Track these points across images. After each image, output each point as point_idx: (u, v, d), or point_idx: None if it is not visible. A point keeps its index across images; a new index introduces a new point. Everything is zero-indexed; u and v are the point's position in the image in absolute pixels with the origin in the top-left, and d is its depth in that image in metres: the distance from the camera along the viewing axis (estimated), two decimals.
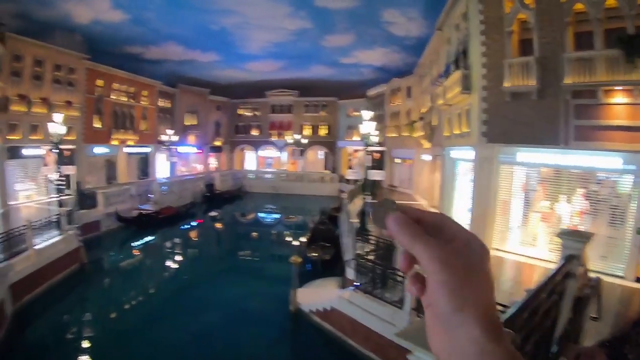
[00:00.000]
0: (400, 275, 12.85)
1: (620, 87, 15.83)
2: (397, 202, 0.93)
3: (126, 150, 44.34)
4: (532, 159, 18.45)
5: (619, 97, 16.01)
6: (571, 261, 6.30)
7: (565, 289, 5.95)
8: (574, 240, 8.38)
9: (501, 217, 19.85)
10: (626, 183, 16.15)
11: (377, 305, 13.81)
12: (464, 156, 23.58)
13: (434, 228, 0.87)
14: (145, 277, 25.09)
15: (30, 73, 32.36)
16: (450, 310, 0.78)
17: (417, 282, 0.86)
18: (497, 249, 19.23)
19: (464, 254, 0.82)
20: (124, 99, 43.32)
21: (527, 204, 19.51)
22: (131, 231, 32.20)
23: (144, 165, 48.57)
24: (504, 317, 5.13)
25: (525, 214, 19.57)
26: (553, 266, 15.64)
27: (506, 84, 18.12)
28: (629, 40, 14.97)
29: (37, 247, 19.70)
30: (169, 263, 27.93)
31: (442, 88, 25.29)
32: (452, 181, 25.85)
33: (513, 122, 18.32)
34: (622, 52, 15.05)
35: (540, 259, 17.54)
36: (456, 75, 22.16)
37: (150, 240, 31.86)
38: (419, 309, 11.95)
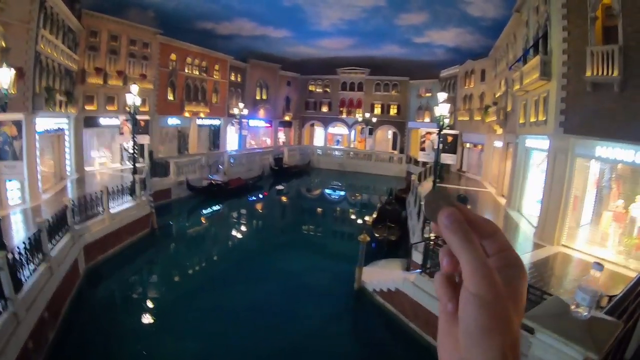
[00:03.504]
0: None
1: None
2: (455, 194, 0.81)
3: (198, 122, 45.67)
4: (610, 154, 16.62)
5: None
6: None
7: None
8: None
9: (572, 212, 18.71)
10: None
11: None
12: (537, 145, 22.54)
13: (485, 236, 0.81)
14: (210, 245, 25.98)
15: (106, 47, 33.86)
16: (476, 330, 0.71)
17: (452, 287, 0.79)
18: (565, 246, 18.32)
19: (507, 274, 0.76)
20: (196, 72, 44.47)
21: (599, 201, 18.30)
22: (200, 200, 33.24)
23: (215, 137, 49.83)
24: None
25: (596, 211, 18.32)
26: (621, 270, 15.18)
27: (588, 73, 16.58)
28: None
29: (111, 211, 20.68)
30: (234, 232, 28.72)
31: (519, 73, 24.13)
32: (524, 170, 24.82)
33: (593, 114, 16.88)
34: None
35: (608, 261, 15.95)
36: (535, 60, 21.01)
37: (217, 210, 32.83)
38: None
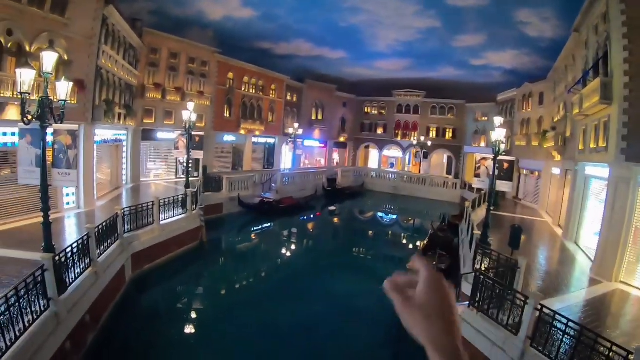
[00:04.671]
0: (520, 299, 11.84)
1: None
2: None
3: (253, 139, 46.35)
4: None
5: None
6: None
7: None
8: None
9: (633, 246, 17.26)
10: None
11: (490, 326, 12.69)
12: (597, 174, 21.33)
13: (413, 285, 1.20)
14: (258, 261, 25.90)
15: (166, 64, 35.05)
16: (410, 330, 1.13)
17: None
18: (624, 282, 17.00)
19: (416, 298, 1.15)
20: (253, 91, 45.22)
21: None
22: (251, 217, 33.38)
23: (269, 155, 50.47)
24: None
25: None
26: None
27: None
28: None
29: (162, 222, 21.02)
30: (283, 251, 28.63)
31: (578, 96, 22.85)
32: (582, 200, 23.53)
33: None
34: None
35: None
36: (595, 83, 19.80)
37: (268, 227, 32.89)
38: (534, 338, 11.10)
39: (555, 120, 32.69)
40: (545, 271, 18.96)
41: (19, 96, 10.83)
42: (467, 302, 14.11)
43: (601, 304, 15.08)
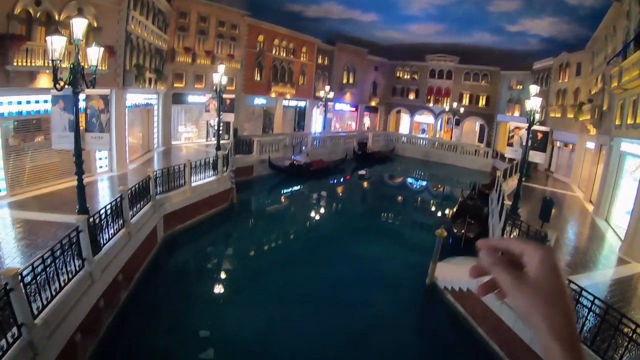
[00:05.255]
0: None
1: None
2: None
3: (283, 102, 46.29)
4: None
5: None
6: None
7: None
8: None
9: None
10: None
11: None
12: (633, 150, 20.60)
13: (514, 254, 1.04)
14: (287, 223, 26.32)
15: (195, 28, 34.89)
16: (523, 314, 0.97)
17: (496, 289, 1.10)
18: None
19: (532, 279, 0.97)
20: (284, 54, 44.93)
21: None
22: (281, 179, 33.78)
23: (299, 118, 50.46)
24: None
25: None
26: None
27: None
28: None
29: (193, 184, 21.41)
30: (311, 213, 28.89)
31: (617, 69, 21.58)
32: (615, 177, 22.68)
33: None
34: None
35: None
36: (636, 55, 18.80)
37: (297, 190, 33.23)
38: None
39: (592, 93, 31.59)
40: (573, 246, 18.70)
41: (50, 64, 11.07)
42: None
43: (628, 284, 14.83)
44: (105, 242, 12.63)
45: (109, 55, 20.45)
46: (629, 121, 20.66)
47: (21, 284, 7.83)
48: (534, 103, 19.67)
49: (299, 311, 14.83)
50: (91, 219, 11.59)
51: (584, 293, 10.53)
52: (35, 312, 8.45)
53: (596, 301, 10.36)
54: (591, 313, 10.20)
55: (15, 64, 15.34)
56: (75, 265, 10.50)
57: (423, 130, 62.67)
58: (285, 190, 32.63)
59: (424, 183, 44.21)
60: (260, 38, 41.40)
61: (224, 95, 27.00)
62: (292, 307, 15.08)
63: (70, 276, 10.13)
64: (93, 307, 11.06)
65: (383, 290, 17.05)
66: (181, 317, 13.54)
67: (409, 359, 13.41)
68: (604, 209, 23.14)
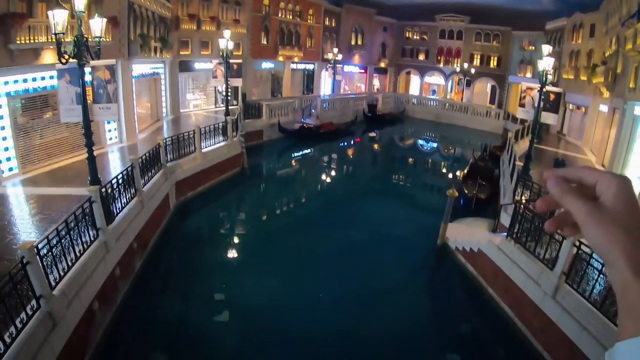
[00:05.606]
0: (560, 234, 11.72)
1: None
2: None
3: (291, 66, 45.84)
4: None
5: None
6: None
7: None
8: None
9: None
10: None
11: (527, 259, 12.79)
12: None
13: (584, 182, 0.94)
14: (298, 187, 26.54)
15: None
16: (600, 248, 0.86)
17: (566, 223, 0.98)
18: None
19: (609, 208, 0.87)
20: (290, 17, 44.17)
21: None
22: (291, 142, 33.79)
23: (308, 81, 50.05)
24: None
25: None
26: None
27: None
28: None
29: (203, 150, 21.55)
30: (323, 176, 29.15)
31: (632, 30, 21.52)
32: (629, 141, 22.63)
33: None
34: None
35: None
36: None
37: (308, 153, 33.35)
38: (569, 274, 11.11)
39: (606, 55, 30.81)
40: None
41: (54, 39, 11.13)
42: (505, 233, 14.30)
43: None
44: (118, 211, 12.87)
45: (113, 26, 20.34)
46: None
47: (37, 256, 8.04)
48: (546, 63, 19.39)
49: (312, 274, 15.16)
50: (103, 190, 11.76)
51: (594, 255, 10.40)
52: (53, 284, 8.70)
53: None
54: (602, 275, 10.28)
55: (18, 42, 15.26)
56: (89, 236, 10.75)
57: (433, 92, 61.82)
58: (295, 154, 32.70)
59: (435, 145, 44.07)
60: (266, 1, 40.63)
61: (231, 61, 26.87)
62: (305, 269, 15.41)
63: (85, 246, 10.38)
64: (109, 275, 11.35)
65: (395, 251, 17.25)
66: (195, 283, 13.87)
67: (420, 319, 13.62)
68: (617, 173, 22.80)
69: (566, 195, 0.92)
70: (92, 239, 10.85)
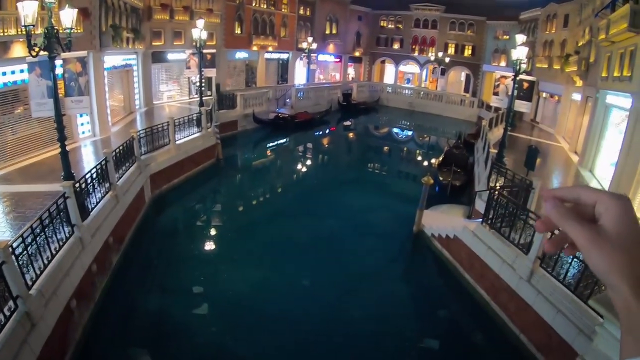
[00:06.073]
0: (533, 219, 12.12)
1: None
2: None
3: (266, 55, 45.34)
4: None
5: None
6: None
7: None
8: None
9: None
10: None
11: (502, 244, 13.08)
12: (618, 103, 20.78)
13: (582, 204, 0.93)
14: (274, 177, 26.52)
15: None
16: (602, 272, 0.85)
17: (565, 243, 0.98)
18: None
19: (609, 232, 0.85)
20: (264, 6, 43.67)
21: None
22: (266, 132, 33.80)
23: (283, 70, 49.69)
24: None
25: None
26: None
27: None
28: None
29: (178, 142, 21.34)
30: (298, 166, 29.20)
31: (605, 21, 21.56)
32: (601, 129, 23.02)
33: None
34: None
35: None
36: (624, 8, 18.62)
37: (283, 143, 33.24)
38: (544, 259, 11.42)
39: (579, 45, 31.42)
40: None
41: (23, 31, 10.91)
42: (480, 219, 14.53)
43: None
44: (93, 206, 12.70)
45: (84, 18, 19.93)
46: (616, 73, 20.64)
47: (12, 256, 7.92)
48: (520, 52, 19.68)
49: (290, 263, 15.29)
50: (77, 185, 11.57)
51: None
52: (29, 283, 8.58)
53: None
54: (575, 259, 10.58)
55: None
56: (65, 233, 10.60)
57: (408, 80, 62.10)
58: (270, 144, 32.63)
59: (410, 133, 44.24)
60: None
61: (205, 51, 26.72)
62: (283, 259, 15.51)
63: (60, 244, 10.24)
64: (86, 272, 11.21)
65: (372, 240, 17.52)
66: (174, 276, 13.82)
67: (399, 304, 13.87)
68: (589, 160, 23.47)
69: (565, 219, 0.91)
70: (68, 235, 10.70)
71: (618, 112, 21.40)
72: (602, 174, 21.59)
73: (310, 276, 14.55)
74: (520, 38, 21.15)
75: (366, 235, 17.92)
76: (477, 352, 12.13)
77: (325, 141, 37.60)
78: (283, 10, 46.18)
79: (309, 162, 30.52)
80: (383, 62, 63.26)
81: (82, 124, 21.66)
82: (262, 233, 17.35)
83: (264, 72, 45.61)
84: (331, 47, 54.97)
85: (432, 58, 55.76)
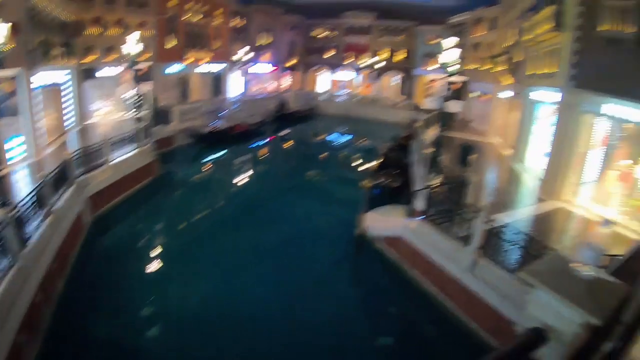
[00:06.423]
0: (470, 213, 12.85)
1: None
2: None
3: (200, 68, 44.84)
4: (618, 113, 16.42)
5: None
6: None
7: None
8: None
9: (574, 168, 18.64)
10: None
11: (443, 239, 13.79)
12: (545, 98, 22.11)
13: None
14: (215, 191, 26.31)
15: None
16: None
17: None
18: (566, 201, 18.47)
19: None
20: (197, 18, 43.36)
21: (606, 159, 17.97)
22: (203, 147, 33.49)
23: (217, 83, 49.15)
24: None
25: (602, 170, 18.07)
26: (622, 230, 15.17)
27: (601, 27, 16.55)
28: None
29: (114, 161, 20.92)
30: (239, 178, 29.04)
31: (530, 22, 23.58)
32: (530, 123, 24.53)
33: (604, 70, 16.53)
34: None
35: (611, 220, 15.87)
36: (548, 10, 20.35)
37: (221, 156, 33.11)
38: (485, 248, 12.07)
39: (507, 45, 33.05)
40: (494, 189, 20.62)
41: None
42: (420, 217, 15.12)
43: (546, 219, 16.51)
44: (32, 233, 12.31)
45: (13, 34, 19.33)
46: (542, 71, 22.30)
47: None
48: (449, 55, 20.57)
49: (239, 274, 15.38)
50: (13, 212, 11.22)
51: (506, 229, 12.39)
52: None
53: (519, 235, 11.85)
54: (515, 245, 11.51)
55: None
56: (4, 264, 10.27)
57: (343, 87, 63.01)
58: (209, 158, 32.35)
59: (347, 139, 45.01)
60: (172, 2, 39.67)
61: (139, 66, 26.29)
62: (232, 271, 15.62)
63: (1, 276, 9.92)
64: (32, 303, 10.86)
65: (318, 245, 18.00)
66: (122, 298, 13.56)
67: (350, 308, 14.22)
68: (521, 153, 24.92)
69: None
70: (9, 266, 10.38)
71: (545, 107, 22.74)
72: (535, 165, 22.83)
73: (261, 285, 14.72)
74: (449, 42, 22.08)
75: (312, 241, 18.36)
76: (431, 344, 12.67)
77: (264, 152, 37.49)
78: (217, 22, 45.89)
79: (249, 174, 30.38)
80: (317, 70, 64.25)
81: (12, 148, 20.67)
82: (209, 247, 17.44)
83: (199, 85, 45.08)
84: (266, 58, 55.13)
85: (366, 64, 57.06)
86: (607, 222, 15.35)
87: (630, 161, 16.81)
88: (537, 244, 11.36)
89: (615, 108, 16.35)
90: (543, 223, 16.00)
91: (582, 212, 17.60)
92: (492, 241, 12.11)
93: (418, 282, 14.81)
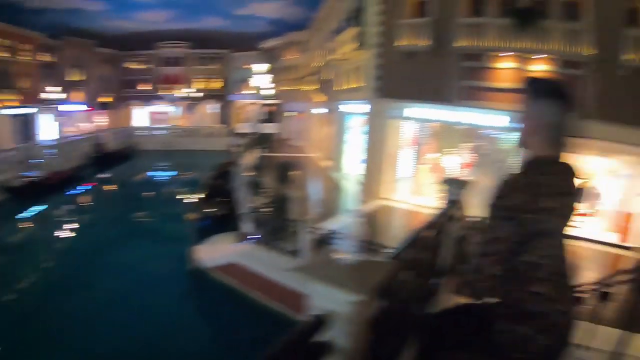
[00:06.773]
0: (294, 226, 13.73)
1: (507, 54, 17.74)
2: None
3: (4, 112, 40.63)
4: (420, 115, 20.13)
5: (506, 62, 17.97)
6: (453, 205, 7.14)
7: (447, 229, 6.71)
8: (454, 187, 9.02)
9: (389, 168, 21.53)
10: (513, 139, 17.33)
11: (275, 256, 14.61)
12: (356, 110, 24.99)
13: None
14: (39, 251, 23.69)
15: None
16: None
17: None
18: (386, 198, 21.17)
19: None
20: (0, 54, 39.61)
21: (418, 156, 21.58)
22: (17, 202, 30.24)
23: (27, 127, 44.97)
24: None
25: (415, 165, 21.63)
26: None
27: (398, 42, 19.52)
28: (519, 12, 16.61)
29: None
30: (63, 233, 26.79)
31: (336, 43, 26.43)
32: (344, 134, 27.49)
33: (406, 79, 19.73)
34: (512, 22, 16.68)
35: (429, 207, 18.00)
36: (351, 31, 23.39)
37: (40, 210, 30.32)
38: (316, 255, 12.98)
39: (317, 65, 35.61)
40: (318, 200, 22.25)
41: None
42: (250, 239, 16.23)
43: (371, 218, 18.62)
44: None
45: None
46: (350, 86, 25.91)
47: None
48: (261, 80, 22.24)
49: (78, 339, 14.17)
50: None
51: (331, 234, 13.69)
52: None
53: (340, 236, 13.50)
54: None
55: None
56: None
57: (162, 121, 62.09)
58: (26, 215, 29.22)
59: (171, 174, 44.58)
60: None
61: None
62: (70, 338, 14.30)
63: None
64: None
65: (154, 290, 17.51)
66: None
67: (203, 346, 14.11)
68: (339, 163, 27.95)
69: None
70: None
71: (356, 118, 26.08)
72: (354, 172, 25.64)
73: (100, 346, 13.62)
74: (259, 67, 23.78)
75: (148, 286, 17.74)
76: None
77: (85, 199, 35.04)
78: (23, 58, 42.14)
79: (73, 226, 27.98)
80: (134, 104, 62.74)
81: None
82: (41, 318, 15.68)
83: (6, 131, 40.71)
84: (79, 95, 52.36)
85: (182, 95, 57.84)
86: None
87: (438, 154, 20.70)
88: (363, 241, 12.80)
89: (418, 111, 19.91)
90: (368, 222, 17.76)
91: (403, 205, 20.71)
92: (321, 247, 13.19)
93: (261, 302, 15.23)
